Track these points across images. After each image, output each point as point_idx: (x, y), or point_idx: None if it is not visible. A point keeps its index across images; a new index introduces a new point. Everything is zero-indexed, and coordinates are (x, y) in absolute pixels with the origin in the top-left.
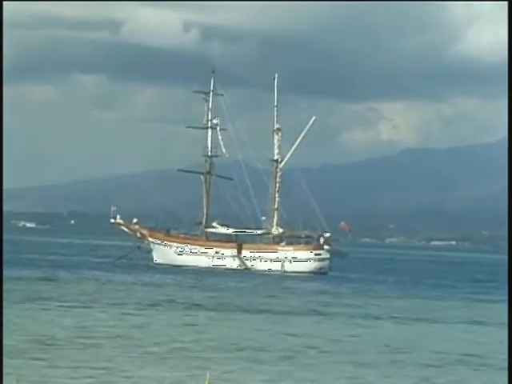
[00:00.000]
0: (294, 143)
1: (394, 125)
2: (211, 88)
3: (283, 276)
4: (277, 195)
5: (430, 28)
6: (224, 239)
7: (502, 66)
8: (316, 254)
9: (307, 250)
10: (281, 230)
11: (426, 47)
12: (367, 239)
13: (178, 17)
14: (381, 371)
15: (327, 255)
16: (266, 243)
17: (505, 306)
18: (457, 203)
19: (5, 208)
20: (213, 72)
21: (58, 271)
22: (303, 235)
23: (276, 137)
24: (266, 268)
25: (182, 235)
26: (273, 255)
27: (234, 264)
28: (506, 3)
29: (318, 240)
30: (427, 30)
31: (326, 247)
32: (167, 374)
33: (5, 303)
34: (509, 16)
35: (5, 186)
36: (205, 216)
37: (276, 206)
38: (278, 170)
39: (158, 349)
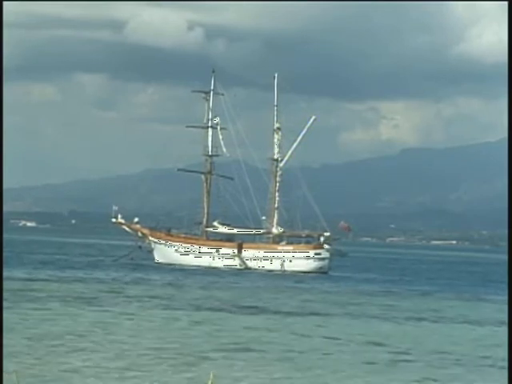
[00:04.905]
0: (294, 143)
1: (395, 125)
2: (211, 87)
3: (283, 275)
4: (277, 195)
5: (431, 28)
6: (224, 239)
7: (502, 66)
8: (316, 254)
9: (307, 249)
10: (281, 230)
11: (427, 47)
12: (368, 239)
13: (181, 17)
14: (381, 371)
15: (327, 254)
16: (266, 242)
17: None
18: (457, 203)
19: (5, 208)
20: (213, 71)
21: (58, 271)
22: (303, 235)
23: (276, 136)
24: (266, 267)
25: (183, 235)
26: (273, 254)
27: (234, 263)
28: (506, 3)
29: (318, 239)
30: (428, 30)
31: (325, 246)
32: (168, 374)
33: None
34: (509, 16)
35: (5, 186)
36: (205, 216)
37: (276, 205)
38: (278, 169)
39: (159, 347)
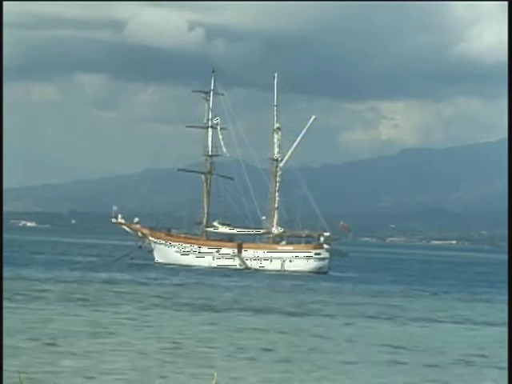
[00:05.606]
0: (294, 143)
1: (395, 125)
2: (211, 87)
3: (283, 275)
4: (277, 195)
5: (431, 28)
6: (224, 239)
7: (502, 66)
8: (316, 254)
9: (307, 249)
10: (281, 230)
11: (427, 47)
12: (368, 239)
13: (181, 17)
14: (386, 371)
15: (327, 254)
16: (266, 242)
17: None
18: (457, 203)
19: (5, 208)
20: (213, 72)
21: (59, 271)
22: (303, 235)
23: (276, 136)
24: (267, 267)
25: (183, 235)
26: (273, 254)
27: (234, 263)
28: (506, 3)
29: (318, 239)
30: (428, 30)
31: (325, 246)
32: (172, 374)
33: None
34: (509, 16)
35: (5, 186)
36: (205, 216)
37: (276, 205)
38: (278, 169)
39: (163, 347)
